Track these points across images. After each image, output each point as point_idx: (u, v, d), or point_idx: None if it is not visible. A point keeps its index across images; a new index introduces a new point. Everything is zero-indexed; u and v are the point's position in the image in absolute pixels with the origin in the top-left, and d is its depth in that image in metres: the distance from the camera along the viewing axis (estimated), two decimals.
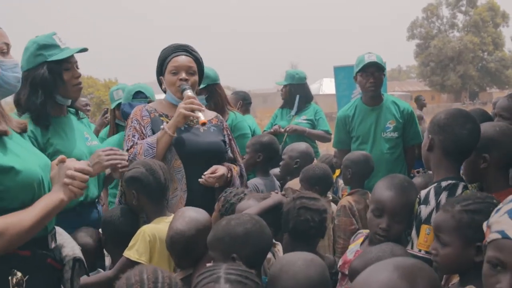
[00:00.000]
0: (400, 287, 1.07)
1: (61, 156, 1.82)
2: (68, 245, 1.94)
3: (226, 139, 2.87)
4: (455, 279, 1.76)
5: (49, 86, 2.47)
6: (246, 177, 2.96)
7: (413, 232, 2.01)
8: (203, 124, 2.64)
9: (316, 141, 5.12)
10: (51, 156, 2.23)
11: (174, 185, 2.60)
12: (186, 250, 2.10)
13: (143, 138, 2.66)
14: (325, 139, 4.97)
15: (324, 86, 43.49)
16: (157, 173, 2.41)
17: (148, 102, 3.56)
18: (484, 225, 1.32)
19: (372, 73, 3.75)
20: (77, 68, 2.58)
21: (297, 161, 3.50)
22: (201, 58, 2.88)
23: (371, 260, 1.68)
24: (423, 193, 2.03)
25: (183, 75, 2.72)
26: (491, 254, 1.22)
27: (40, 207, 1.67)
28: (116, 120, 4.06)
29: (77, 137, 2.61)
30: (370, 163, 3.27)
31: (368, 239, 2.27)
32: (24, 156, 1.74)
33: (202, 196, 2.60)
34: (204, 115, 2.71)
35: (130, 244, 2.29)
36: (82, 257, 1.94)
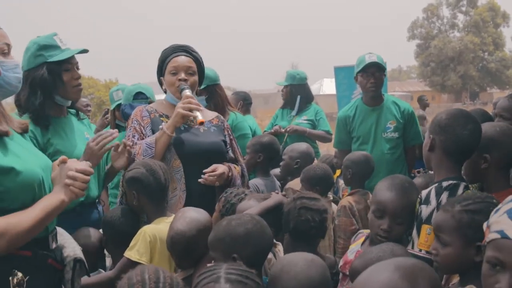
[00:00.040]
0: (401, 287, 1.07)
1: (62, 157, 1.82)
2: (69, 245, 1.94)
3: (227, 139, 2.87)
4: (455, 279, 1.76)
5: (49, 87, 2.47)
6: (247, 177, 2.96)
7: (414, 232, 2.01)
8: (201, 123, 2.64)
9: (317, 141, 5.13)
10: (52, 156, 2.24)
11: (173, 185, 2.60)
12: (187, 251, 2.10)
13: (143, 139, 2.67)
14: (325, 139, 4.97)
15: (324, 86, 43.51)
16: (158, 173, 2.41)
17: (149, 103, 3.57)
18: (484, 225, 1.32)
19: (373, 74, 3.75)
20: (78, 69, 2.58)
21: (298, 162, 3.51)
22: (201, 58, 2.88)
23: (371, 260, 1.68)
24: (424, 193, 2.04)
25: (182, 75, 2.73)
26: (490, 254, 1.22)
27: (40, 208, 1.67)
28: (116, 121, 4.06)
29: (78, 138, 2.61)
30: (371, 163, 3.27)
31: (369, 239, 2.28)
32: (24, 156, 1.74)
33: (201, 196, 2.60)
34: (204, 115, 2.71)
35: (131, 244, 2.29)
36: (83, 257, 1.94)
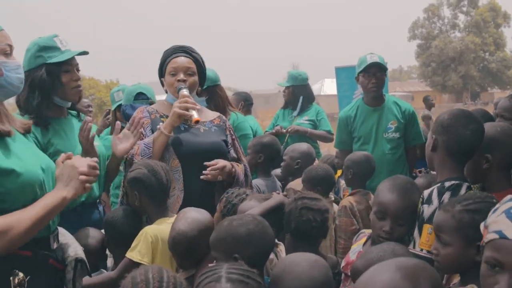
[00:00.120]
0: (402, 287, 1.07)
1: (67, 153, 1.82)
2: (71, 245, 1.95)
3: (229, 139, 2.87)
4: (456, 278, 1.76)
5: (47, 88, 2.48)
6: (250, 177, 2.95)
7: (416, 232, 2.02)
8: (197, 122, 2.64)
9: (318, 141, 5.13)
10: (52, 157, 2.24)
11: (172, 185, 2.59)
12: (188, 251, 2.10)
13: (143, 139, 2.68)
14: (327, 139, 4.97)
15: (325, 86, 43.45)
16: (159, 174, 2.41)
17: (150, 103, 3.57)
18: (482, 225, 1.32)
19: (374, 74, 3.75)
20: (78, 70, 2.58)
21: (298, 162, 3.51)
22: (201, 58, 2.89)
23: (372, 260, 1.68)
24: (426, 192, 2.04)
25: (181, 76, 2.73)
26: (489, 254, 1.21)
27: (41, 206, 1.66)
28: (117, 121, 4.06)
29: (78, 138, 2.61)
30: (372, 163, 3.27)
31: (370, 239, 2.28)
32: (26, 157, 1.74)
33: (200, 196, 2.60)
34: (205, 115, 2.71)
35: (133, 245, 2.29)
36: (84, 257, 1.94)
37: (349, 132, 3.93)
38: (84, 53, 2.59)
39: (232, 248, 1.79)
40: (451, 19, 49.14)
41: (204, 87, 3.61)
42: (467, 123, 2.02)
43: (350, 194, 3.18)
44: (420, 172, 3.97)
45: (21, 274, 1.64)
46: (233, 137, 2.92)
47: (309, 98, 5.08)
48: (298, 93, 5.00)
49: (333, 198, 3.28)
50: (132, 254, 2.26)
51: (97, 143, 2.80)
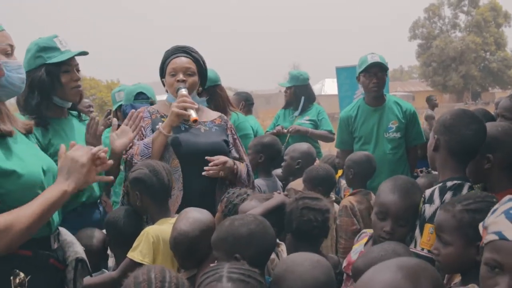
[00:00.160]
0: (403, 287, 1.07)
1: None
2: (71, 245, 1.94)
3: (230, 139, 2.86)
4: (457, 278, 1.76)
5: (47, 88, 2.48)
6: (253, 176, 2.95)
7: (417, 231, 2.02)
8: (195, 121, 2.64)
9: (319, 141, 5.13)
10: (52, 157, 2.23)
11: (172, 185, 2.60)
12: (190, 251, 2.10)
13: (143, 139, 2.68)
14: (328, 139, 4.97)
15: (326, 86, 43.37)
16: (161, 174, 2.41)
17: (150, 103, 3.57)
18: (480, 226, 1.32)
19: (375, 74, 3.75)
20: (78, 71, 2.59)
21: (299, 162, 3.51)
22: (202, 58, 2.89)
23: (373, 260, 1.68)
24: (427, 192, 2.04)
25: (181, 76, 2.74)
26: (488, 255, 1.21)
27: (41, 201, 1.65)
28: (114, 118, 4.06)
29: (78, 138, 2.60)
30: (373, 163, 3.27)
31: (372, 239, 2.28)
32: (27, 158, 1.74)
33: (200, 196, 2.60)
34: (206, 115, 2.71)
35: (134, 245, 2.29)
36: (85, 257, 1.94)
37: (350, 132, 3.93)
38: (84, 53, 2.60)
39: (234, 248, 1.79)
40: (452, 19, 49.10)
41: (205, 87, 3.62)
42: (469, 123, 2.02)
43: (351, 194, 3.18)
44: (421, 172, 3.97)
45: (21, 274, 1.64)
46: (235, 136, 2.92)
47: (310, 98, 5.08)
48: (300, 93, 5.01)
49: (334, 198, 3.28)
50: (134, 254, 2.26)
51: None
